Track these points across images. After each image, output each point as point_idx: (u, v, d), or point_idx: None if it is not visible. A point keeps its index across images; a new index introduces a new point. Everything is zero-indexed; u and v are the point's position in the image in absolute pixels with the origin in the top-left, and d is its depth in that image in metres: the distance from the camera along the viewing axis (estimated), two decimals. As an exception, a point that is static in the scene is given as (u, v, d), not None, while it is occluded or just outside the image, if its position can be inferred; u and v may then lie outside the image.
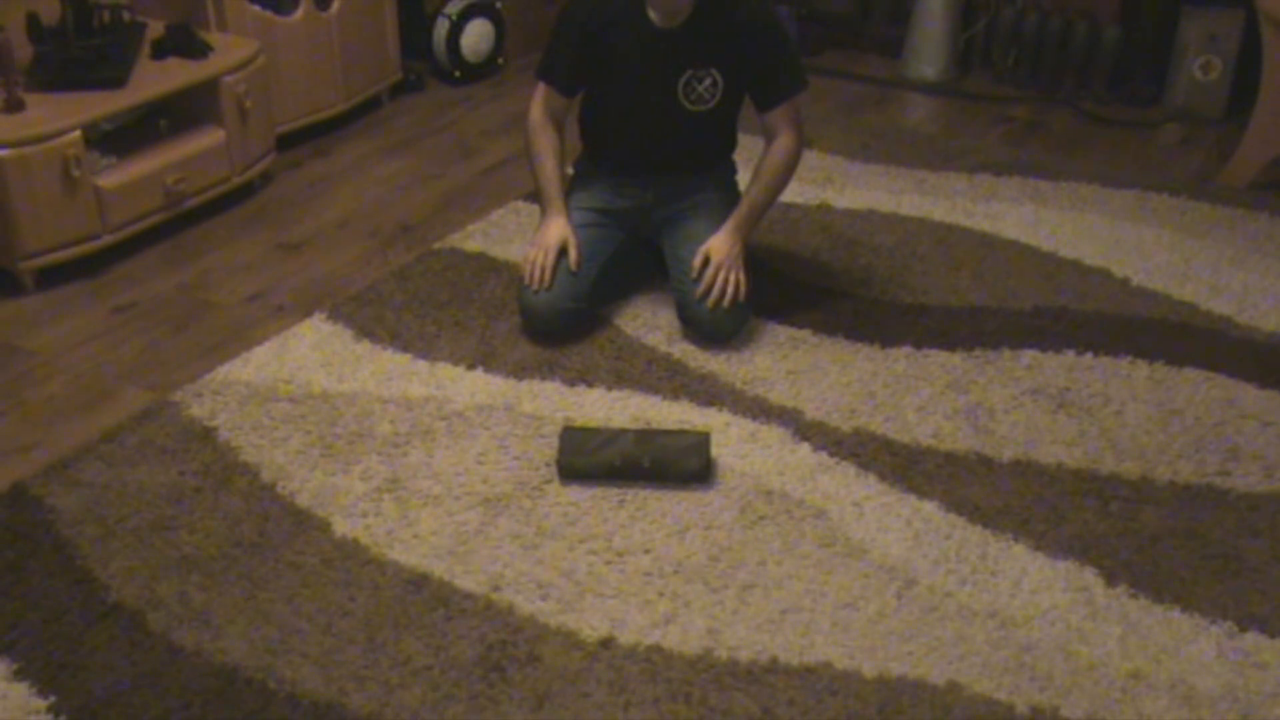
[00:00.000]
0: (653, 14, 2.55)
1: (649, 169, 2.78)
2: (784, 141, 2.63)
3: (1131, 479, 2.34)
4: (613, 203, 2.79)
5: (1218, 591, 2.08)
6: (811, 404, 2.54)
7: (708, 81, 2.56)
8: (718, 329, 2.67)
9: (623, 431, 2.35)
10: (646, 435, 2.34)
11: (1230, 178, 3.53)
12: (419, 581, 2.09)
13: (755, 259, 3.06)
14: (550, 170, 2.69)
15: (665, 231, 2.80)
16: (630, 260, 2.88)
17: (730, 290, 2.61)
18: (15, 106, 2.90)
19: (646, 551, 2.16)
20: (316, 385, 2.59)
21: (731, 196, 2.82)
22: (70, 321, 2.87)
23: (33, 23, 3.08)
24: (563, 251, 2.66)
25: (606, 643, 1.97)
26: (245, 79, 3.31)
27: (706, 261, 2.64)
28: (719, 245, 2.64)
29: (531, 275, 2.65)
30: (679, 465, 2.29)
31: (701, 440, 2.32)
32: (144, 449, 2.39)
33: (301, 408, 2.52)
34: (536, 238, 2.69)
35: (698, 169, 2.80)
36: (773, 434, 2.45)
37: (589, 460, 2.30)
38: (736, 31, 2.49)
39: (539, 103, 2.72)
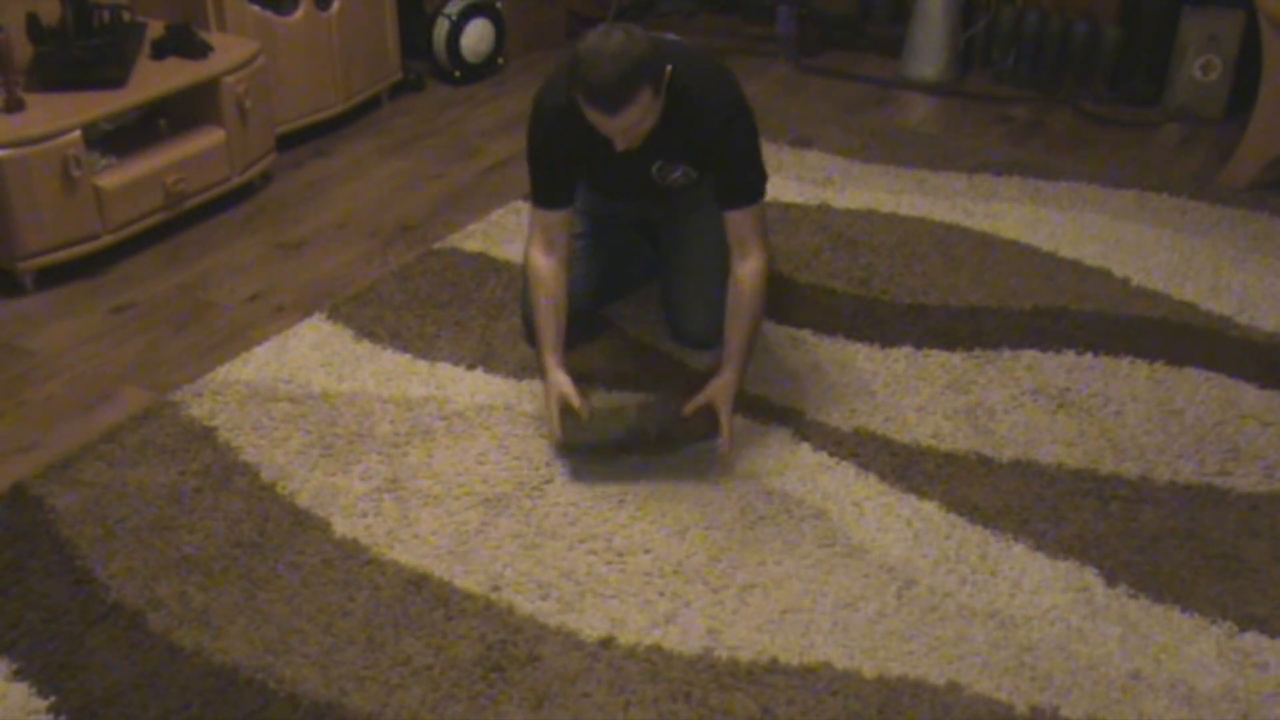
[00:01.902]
0: None
1: (635, 200, 2.73)
2: (750, 266, 2.38)
3: (1131, 479, 2.34)
4: (612, 210, 2.77)
5: (1218, 591, 2.08)
6: (811, 404, 2.54)
7: (679, 171, 2.50)
8: (709, 340, 2.68)
9: (623, 407, 2.37)
10: (649, 406, 2.38)
11: (1230, 178, 3.53)
12: (419, 581, 2.09)
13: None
14: (546, 326, 2.44)
15: (665, 227, 2.79)
16: (630, 260, 2.88)
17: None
18: (15, 106, 2.90)
19: (646, 551, 2.16)
20: (316, 385, 2.59)
21: None
22: (70, 321, 2.87)
23: (33, 23, 3.08)
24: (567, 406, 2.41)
25: (606, 643, 1.97)
26: (245, 79, 3.31)
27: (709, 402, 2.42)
28: (727, 402, 2.38)
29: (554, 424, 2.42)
30: (687, 429, 2.32)
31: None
32: (144, 449, 2.39)
33: (301, 408, 2.52)
34: (544, 399, 2.46)
35: (690, 196, 2.68)
36: (773, 434, 2.45)
37: (591, 435, 2.31)
38: (703, 140, 2.36)
39: (537, 241, 2.45)
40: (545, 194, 2.44)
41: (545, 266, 2.44)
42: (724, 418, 2.36)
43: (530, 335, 2.70)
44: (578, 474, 2.34)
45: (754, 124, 2.40)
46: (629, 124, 2.18)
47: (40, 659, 1.92)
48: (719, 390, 2.37)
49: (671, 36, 2.51)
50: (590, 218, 2.74)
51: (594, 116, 2.18)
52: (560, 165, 2.42)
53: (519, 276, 2.76)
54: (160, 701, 1.85)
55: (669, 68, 2.22)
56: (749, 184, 2.39)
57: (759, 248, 2.40)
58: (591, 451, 2.35)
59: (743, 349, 2.41)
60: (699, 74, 2.34)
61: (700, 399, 2.38)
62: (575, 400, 2.37)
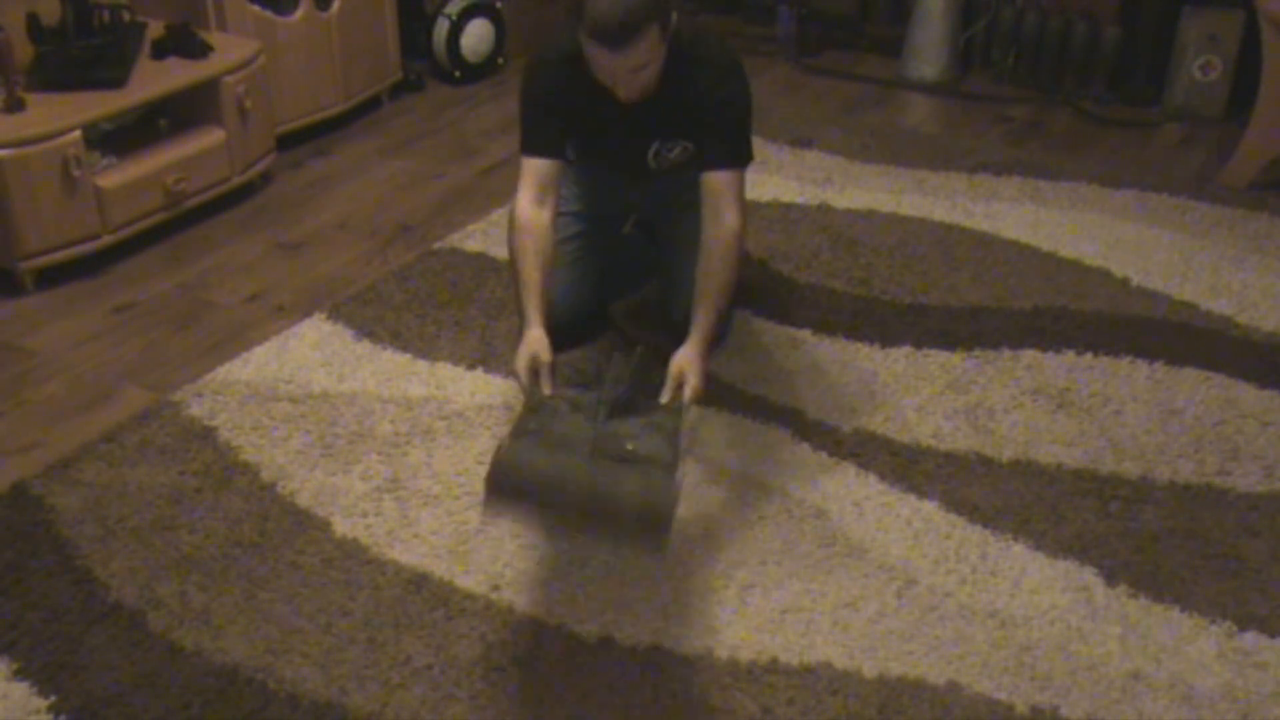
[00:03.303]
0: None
1: (630, 191, 2.72)
2: (725, 227, 2.31)
3: (1131, 479, 2.34)
4: (603, 208, 2.75)
5: (1218, 591, 2.08)
6: (811, 404, 2.54)
7: (677, 150, 2.45)
8: None
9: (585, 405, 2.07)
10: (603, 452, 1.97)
11: (1230, 178, 3.53)
12: (419, 581, 2.09)
13: (755, 259, 3.07)
14: (530, 277, 2.33)
15: (660, 221, 2.77)
16: (627, 260, 2.87)
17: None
18: (15, 106, 2.90)
19: (646, 551, 2.16)
20: (316, 385, 2.59)
21: None
22: (70, 321, 2.87)
23: (33, 23, 3.08)
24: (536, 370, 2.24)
25: (606, 643, 1.97)
26: (245, 79, 3.31)
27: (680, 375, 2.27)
28: (696, 380, 2.21)
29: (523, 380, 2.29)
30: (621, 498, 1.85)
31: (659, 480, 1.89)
32: (144, 449, 2.39)
33: (301, 408, 2.52)
34: (518, 351, 2.28)
35: (683, 180, 2.64)
36: (773, 434, 2.45)
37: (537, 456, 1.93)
38: (699, 101, 2.33)
39: (527, 190, 2.37)
40: (536, 139, 2.37)
41: (536, 218, 2.34)
42: (689, 387, 2.18)
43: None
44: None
45: (749, 91, 2.37)
46: (635, 64, 2.14)
47: (40, 659, 1.92)
48: (683, 360, 2.22)
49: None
50: (583, 219, 2.72)
51: (598, 55, 2.13)
52: (555, 114, 2.37)
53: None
54: (160, 701, 1.85)
55: (674, 14, 2.20)
56: (736, 146, 2.35)
57: (735, 216, 2.31)
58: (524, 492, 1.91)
59: (709, 318, 2.29)
60: (699, 34, 2.35)
61: (669, 379, 2.21)
62: (546, 380, 2.20)
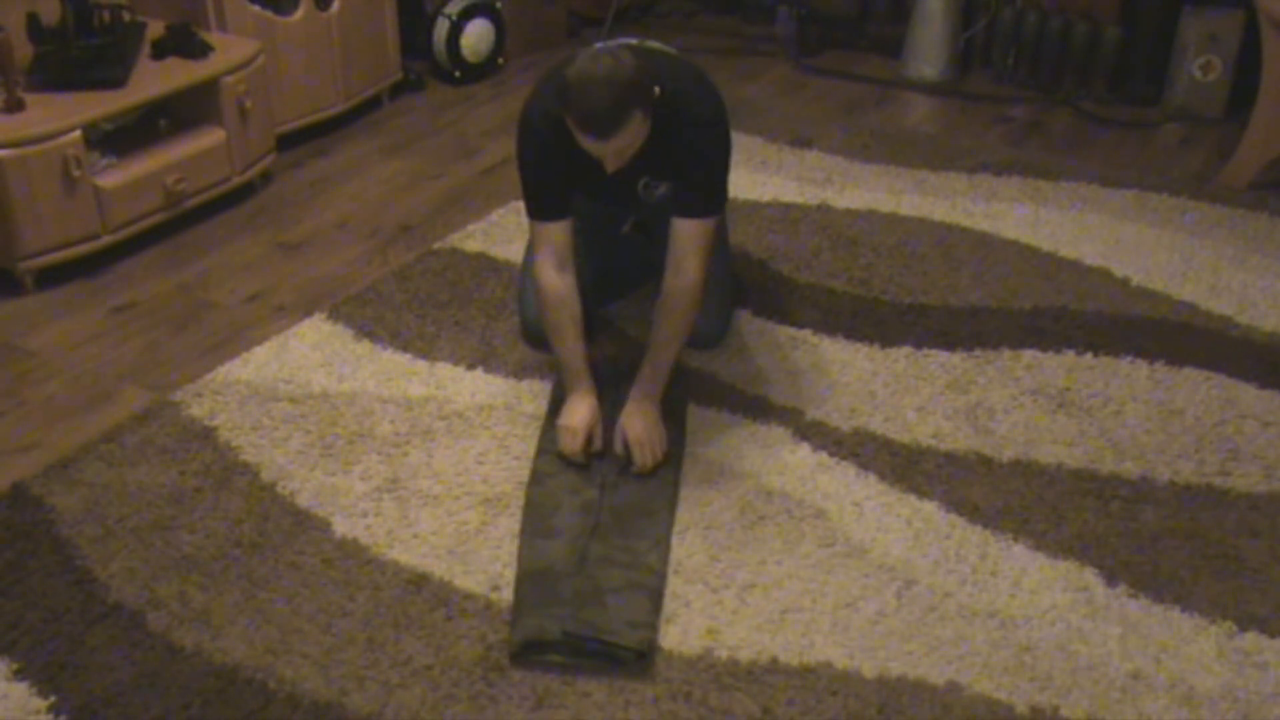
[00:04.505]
0: None
1: (624, 211, 2.71)
2: (682, 282, 2.33)
3: (1131, 479, 2.34)
4: (598, 211, 2.71)
5: (1218, 591, 2.08)
6: (811, 404, 2.54)
7: (664, 186, 2.47)
8: (708, 339, 2.68)
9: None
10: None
11: (1230, 178, 3.53)
12: (419, 581, 2.09)
13: (755, 259, 3.07)
14: (574, 346, 2.39)
15: (660, 229, 2.74)
16: (626, 259, 2.87)
17: (651, 459, 2.33)
18: (15, 106, 2.90)
19: (646, 551, 2.16)
20: (316, 385, 2.59)
21: None
22: (70, 321, 2.87)
23: (33, 23, 3.08)
24: (590, 437, 2.37)
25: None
26: (245, 79, 3.31)
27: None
28: (636, 428, 2.33)
29: (569, 450, 2.36)
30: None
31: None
32: (144, 449, 2.39)
33: (301, 408, 2.52)
34: (564, 415, 2.38)
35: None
36: (773, 434, 2.45)
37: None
38: (682, 148, 2.32)
39: (547, 259, 2.38)
40: (544, 206, 2.39)
41: (562, 285, 2.37)
42: (650, 452, 2.30)
43: (530, 337, 2.70)
44: (578, 474, 2.34)
45: (728, 138, 2.36)
46: (621, 147, 2.17)
47: (40, 659, 1.92)
48: (637, 423, 2.32)
49: (654, 44, 2.48)
50: (582, 218, 2.71)
51: (584, 140, 2.16)
52: (555, 177, 2.38)
53: (519, 276, 2.76)
54: (160, 701, 1.85)
55: (657, 89, 2.19)
56: (706, 195, 2.34)
57: (697, 268, 2.32)
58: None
59: (655, 371, 2.36)
60: (682, 86, 2.30)
61: (630, 445, 2.31)
62: (599, 441, 2.35)
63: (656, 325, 2.38)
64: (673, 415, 2.43)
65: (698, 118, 2.31)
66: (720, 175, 2.37)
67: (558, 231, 2.38)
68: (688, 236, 2.32)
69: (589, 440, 2.35)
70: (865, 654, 1.95)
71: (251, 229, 3.31)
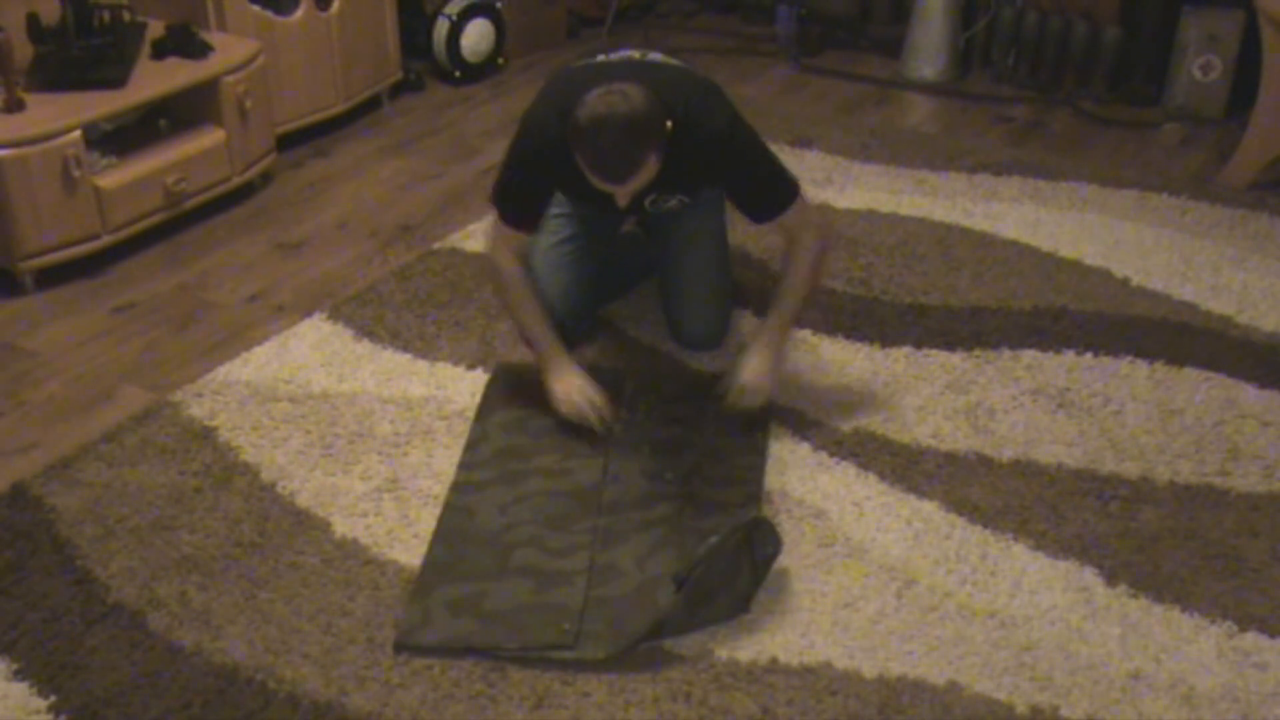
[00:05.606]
0: None
1: (626, 219, 2.71)
2: (804, 244, 2.39)
3: (1131, 479, 2.34)
4: (594, 214, 2.67)
5: (1218, 591, 2.08)
6: (811, 404, 2.54)
7: (674, 201, 2.47)
8: (707, 341, 2.68)
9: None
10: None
11: (1230, 178, 3.53)
12: (419, 581, 2.09)
13: (755, 259, 3.07)
14: (541, 314, 2.43)
15: (660, 226, 2.73)
16: (624, 259, 2.87)
17: (744, 405, 2.38)
18: (15, 106, 2.90)
19: (646, 551, 2.16)
20: (316, 385, 2.59)
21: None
22: (70, 321, 2.87)
23: (33, 23, 3.08)
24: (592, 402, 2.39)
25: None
26: (245, 79, 3.31)
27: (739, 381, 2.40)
28: (759, 384, 2.36)
29: (587, 419, 2.38)
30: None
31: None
32: (144, 449, 2.39)
33: (301, 408, 2.52)
34: (560, 395, 2.39)
35: (681, 214, 2.63)
36: (773, 434, 2.45)
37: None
38: (706, 169, 2.34)
39: (508, 249, 2.42)
40: (518, 219, 2.40)
41: (520, 267, 2.45)
42: (752, 399, 2.35)
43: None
44: (578, 474, 2.34)
45: (752, 134, 2.35)
46: (635, 188, 2.18)
47: (40, 659, 1.92)
48: (751, 377, 2.36)
49: (656, 56, 2.44)
50: (577, 220, 2.69)
51: (598, 182, 2.15)
52: (537, 200, 2.40)
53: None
54: (160, 701, 1.85)
55: (669, 122, 2.17)
56: (771, 190, 2.37)
57: (813, 231, 2.41)
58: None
59: (780, 320, 2.41)
60: (691, 105, 2.26)
61: (733, 384, 2.37)
62: (599, 398, 2.38)
63: (786, 287, 2.42)
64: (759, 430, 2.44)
65: (713, 134, 2.28)
66: (767, 168, 2.38)
67: (520, 236, 2.44)
68: (787, 229, 2.40)
69: (593, 405, 2.37)
70: (865, 654, 1.95)
71: (251, 229, 3.31)
